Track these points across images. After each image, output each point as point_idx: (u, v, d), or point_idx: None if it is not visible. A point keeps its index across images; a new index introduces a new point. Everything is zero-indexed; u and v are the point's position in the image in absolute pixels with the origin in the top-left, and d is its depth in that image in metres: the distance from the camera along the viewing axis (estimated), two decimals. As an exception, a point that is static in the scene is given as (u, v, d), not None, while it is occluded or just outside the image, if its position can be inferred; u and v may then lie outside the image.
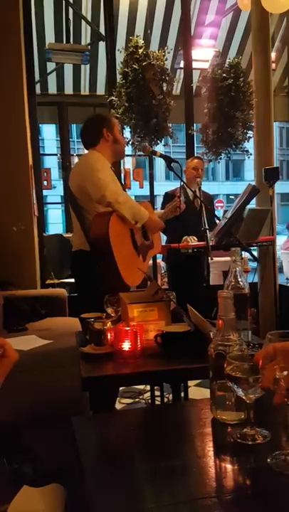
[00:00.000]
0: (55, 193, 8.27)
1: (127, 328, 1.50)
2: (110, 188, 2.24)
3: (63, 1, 5.24)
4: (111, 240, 2.17)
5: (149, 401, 2.83)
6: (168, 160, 2.61)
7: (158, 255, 4.47)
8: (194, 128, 4.54)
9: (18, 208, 3.70)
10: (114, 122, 2.57)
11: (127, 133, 4.09)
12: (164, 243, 4.02)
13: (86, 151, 2.55)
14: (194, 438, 0.99)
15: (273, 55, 5.29)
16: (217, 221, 3.61)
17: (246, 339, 1.36)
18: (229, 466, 0.88)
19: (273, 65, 5.22)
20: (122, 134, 2.75)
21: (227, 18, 6.03)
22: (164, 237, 4.13)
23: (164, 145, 4.54)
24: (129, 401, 3.04)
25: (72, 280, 2.70)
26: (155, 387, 2.55)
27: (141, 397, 3.09)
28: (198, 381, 3.11)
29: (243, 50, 6.13)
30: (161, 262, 4.67)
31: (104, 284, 2.15)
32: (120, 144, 2.57)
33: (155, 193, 4.99)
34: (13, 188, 3.68)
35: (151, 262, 4.71)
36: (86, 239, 2.34)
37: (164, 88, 3.96)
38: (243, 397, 0.90)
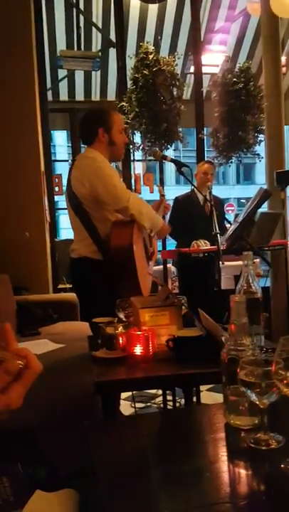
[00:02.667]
0: (66, 199, 8.30)
1: (139, 333, 1.51)
2: (132, 198, 2.20)
3: (74, 9, 5.30)
4: (134, 252, 2.15)
5: (162, 405, 2.83)
6: (179, 164, 2.61)
7: (168, 259, 4.47)
8: (205, 132, 4.54)
9: (30, 213, 3.74)
10: (114, 120, 2.34)
11: (138, 138, 4.11)
12: (173, 247, 4.03)
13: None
14: (207, 443, 0.98)
15: (283, 59, 5.28)
16: (227, 225, 3.60)
17: (259, 344, 1.36)
18: (243, 472, 0.88)
19: (283, 69, 5.19)
20: (126, 132, 2.54)
21: (237, 23, 6.04)
22: (174, 242, 4.14)
23: (174, 149, 4.55)
24: (142, 405, 3.04)
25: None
26: (167, 392, 2.55)
27: (153, 401, 3.09)
28: (210, 386, 3.09)
29: (253, 54, 6.13)
30: (172, 267, 4.67)
31: (119, 294, 2.00)
32: (117, 146, 2.35)
33: (165, 198, 5.00)
34: (26, 194, 3.72)
35: (162, 266, 4.72)
36: (97, 248, 2.25)
37: (175, 93, 3.98)
38: (257, 402, 0.90)
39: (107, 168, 2.28)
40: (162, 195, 2.68)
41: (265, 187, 3.79)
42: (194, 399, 2.41)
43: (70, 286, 4.29)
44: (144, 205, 2.27)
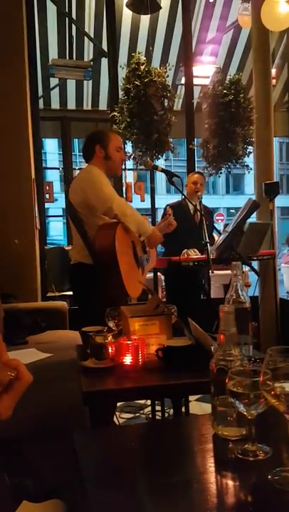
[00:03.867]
0: (56, 206, 8.31)
1: (129, 342, 1.50)
2: (117, 200, 2.32)
3: (66, 18, 5.33)
4: (117, 251, 2.21)
5: (150, 416, 2.82)
6: (169, 174, 2.65)
7: (158, 268, 4.47)
8: (195, 143, 4.58)
9: (20, 220, 3.72)
10: (110, 139, 2.53)
11: (129, 147, 4.13)
12: (162, 256, 4.03)
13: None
14: (195, 454, 0.98)
15: (273, 71, 5.37)
16: (215, 235, 3.63)
17: (247, 354, 1.36)
18: (230, 482, 0.88)
19: (273, 81, 5.28)
20: (123, 150, 2.69)
21: (228, 35, 6.13)
22: (162, 250, 4.15)
23: (165, 159, 4.58)
24: (130, 416, 3.02)
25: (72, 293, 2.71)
26: (156, 402, 2.54)
27: (141, 411, 3.07)
28: (198, 396, 3.09)
29: (244, 66, 6.21)
30: (161, 276, 4.67)
31: (106, 296, 2.17)
32: (113, 160, 2.51)
33: (156, 206, 5.02)
34: (16, 201, 3.71)
35: (152, 275, 4.72)
36: (88, 252, 2.36)
37: (166, 104, 4.01)
38: (245, 413, 0.90)
39: (99, 177, 2.41)
40: (168, 214, 2.76)
41: (253, 197, 3.83)
42: (183, 409, 2.41)
43: (60, 294, 4.29)
44: (129, 207, 2.36)
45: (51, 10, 5.36)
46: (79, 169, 5.82)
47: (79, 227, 2.43)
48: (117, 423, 2.86)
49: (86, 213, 2.39)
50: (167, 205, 4.03)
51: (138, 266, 2.48)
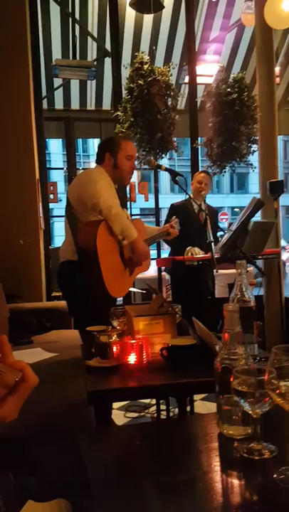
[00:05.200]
0: (61, 206, 8.30)
1: (133, 341, 1.50)
2: (105, 197, 2.29)
3: (70, 18, 5.34)
4: (98, 247, 2.20)
5: (155, 415, 2.81)
6: (173, 174, 2.64)
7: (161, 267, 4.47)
8: (199, 142, 4.58)
9: (24, 221, 3.73)
10: (121, 148, 2.54)
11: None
12: (167, 255, 4.03)
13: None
14: (200, 453, 0.98)
15: (277, 69, 5.35)
16: (220, 233, 3.62)
17: (252, 353, 1.36)
18: (236, 482, 0.87)
19: (277, 80, 5.26)
20: (135, 159, 2.68)
21: (231, 33, 6.11)
22: (168, 249, 4.15)
23: (168, 159, 4.58)
24: (135, 415, 3.02)
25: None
26: (161, 401, 2.54)
27: (146, 411, 3.07)
28: (203, 395, 3.09)
29: (247, 65, 6.20)
30: (166, 275, 4.67)
31: (88, 292, 2.20)
32: (121, 169, 2.54)
33: (160, 206, 5.02)
34: (20, 201, 3.71)
35: (156, 274, 4.72)
36: (76, 249, 2.38)
37: (169, 103, 4.01)
38: (250, 412, 0.90)
39: (99, 175, 2.44)
40: (172, 226, 2.78)
41: (258, 196, 3.82)
42: (188, 408, 2.40)
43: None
44: (116, 207, 2.31)
45: (54, 10, 5.37)
46: (83, 169, 5.83)
47: (72, 224, 2.44)
48: (124, 422, 2.87)
49: (80, 210, 2.41)
50: (172, 204, 4.03)
51: (125, 267, 2.46)
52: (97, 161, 2.60)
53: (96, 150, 2.69)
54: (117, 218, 2.29)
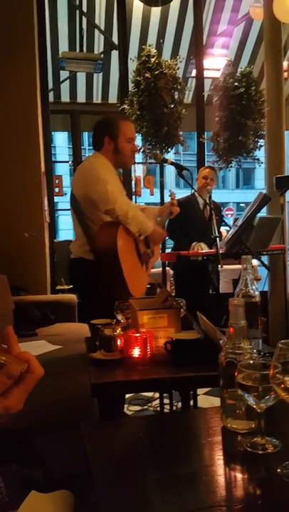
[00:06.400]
0: (66, 200, 8.29)
1: (137, 335, 1.50)
2: (120, 201, 2.24)
3: (77, 11, 5.32)
4: (119, 253, 2.16)
5: (158, 409, 2.82)
6: (179, 168, 2.62)
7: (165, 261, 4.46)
8: (205, 136, 4.55)
9: (30, 214, 3.74)
10: (121, 130, 2.39)
11: (139, 141, 4.12)
12: (170, 250, 4.02)
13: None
14: (204, 446, 0.98)
15: (285, 64, 5.30)
16: (223, 231, 3.60)
17: (257, 348, 1.36)
18: (239, 476, 0.87)
19: (285, 74, 5.21)
20: (134, 140, 2.53)
21: (239, 27, 6.06)
22: (171, 244, 4.14)
23: (174, 153, 4.57)
24: (138, 408, 3.03)
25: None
26: (164, 395, 2.54)
27: (149, 404, 3.08)
28: (206, 390, 3.09)
29: (255, 59, 6.15)
30: (170, 270, 4.67)
31: (109, 295, 2.07)
32: (122, 154, 2.40)
33: (165, 200, 5.00)
34: (26, 194, 3.72)
35: (160, 269, 4.71)
36: (90, 248, 2.30)
37: (176, 97, 3.99)
38: (254, 406, 0.90)
39: (102, 172, 2.31)
40: (173, 200, 2.69)
41: (264, 192, 3.80)
42: (191, 402, 2.41)
43: (69, 287, 4.31)
44: (131, 208, 2.28)
45: (62, 3, 5.34)
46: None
47: (81, 221, 2.36)
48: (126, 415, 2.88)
49: (88, 208, 2.32)
50: (177, 199, 4.01)
51: (142, 263, 2.44)
52: (96, 147, 2.43)
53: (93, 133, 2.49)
54: (133, 220, 2.25)
